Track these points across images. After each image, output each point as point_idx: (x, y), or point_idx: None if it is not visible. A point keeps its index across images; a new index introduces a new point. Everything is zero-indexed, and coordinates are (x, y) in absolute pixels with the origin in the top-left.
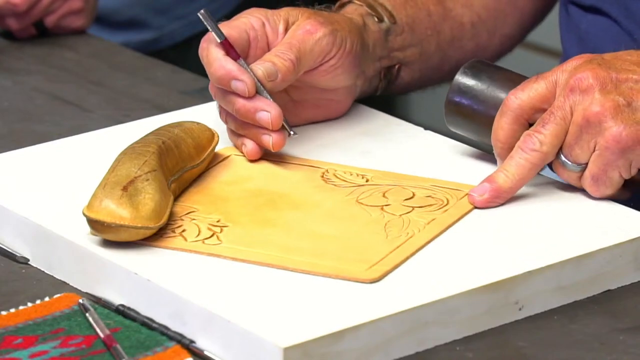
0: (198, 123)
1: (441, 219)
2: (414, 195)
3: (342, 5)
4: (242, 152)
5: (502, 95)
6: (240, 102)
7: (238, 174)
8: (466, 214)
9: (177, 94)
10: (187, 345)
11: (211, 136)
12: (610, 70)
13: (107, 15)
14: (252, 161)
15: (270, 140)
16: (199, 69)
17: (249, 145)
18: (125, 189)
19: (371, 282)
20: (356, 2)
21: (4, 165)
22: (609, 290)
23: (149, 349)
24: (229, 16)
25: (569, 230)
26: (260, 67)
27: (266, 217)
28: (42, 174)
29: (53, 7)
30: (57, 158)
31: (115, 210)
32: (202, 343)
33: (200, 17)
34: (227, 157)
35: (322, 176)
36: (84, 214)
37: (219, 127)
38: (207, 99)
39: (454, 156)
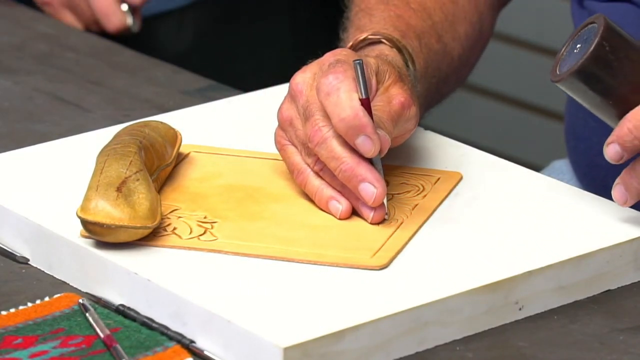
0: (162, 122)
1: (423, 204)
2: (387, 182)
3: (370, 43)
4: (323, 206)
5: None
6: (349, 164)
7: (206, 171)
8: (445, 197)
9: (177, 94)
10: (187, 345)
11: (175, 134)
12: None
13: None
14: (216, 157)
15: (370, 215)
16: (164, 49)
17: (344, 205)
18: (119, 189)
19: (380, 269)
20: (385, 42)
21: (4, 165)
22: (609, 290)
23: (149, 349)
24: (183, 10)
25: (569, 230)
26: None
27: (252, 211)
28: (42, 174)
29: None
30: (57, 158)
31: (113, 211)
32: (202, 343)
33: (355, 65)
34: (188, 155)
35: None
36: (79, 217)
37: (215, 128)
38: (207, 99)
39: (454, 156)
